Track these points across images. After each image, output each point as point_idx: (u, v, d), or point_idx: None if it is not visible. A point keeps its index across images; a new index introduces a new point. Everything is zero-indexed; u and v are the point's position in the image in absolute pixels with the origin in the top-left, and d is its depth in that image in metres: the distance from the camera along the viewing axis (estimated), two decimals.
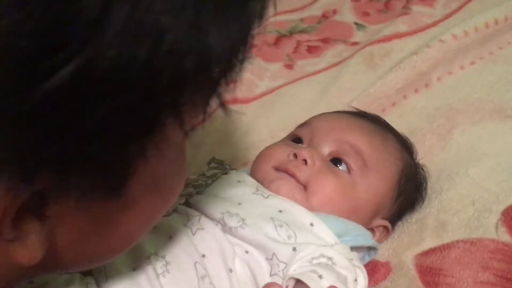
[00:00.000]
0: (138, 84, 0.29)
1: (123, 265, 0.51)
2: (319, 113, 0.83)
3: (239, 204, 0.56)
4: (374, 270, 0.60)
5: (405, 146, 0.67)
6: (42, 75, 0.27)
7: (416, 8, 1.00)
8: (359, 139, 0.62)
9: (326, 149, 0.62)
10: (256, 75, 0.92)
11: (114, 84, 0.28)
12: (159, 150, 0.34)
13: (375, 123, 0.67)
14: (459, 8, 0.99)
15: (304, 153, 0.60)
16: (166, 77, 0.29)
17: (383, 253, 0.62)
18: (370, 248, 0.60)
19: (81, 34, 0.27)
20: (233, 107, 0.91)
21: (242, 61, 0.33)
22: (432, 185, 0.68)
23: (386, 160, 0.63)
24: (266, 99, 0.88)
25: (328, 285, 0.48)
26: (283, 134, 0.82)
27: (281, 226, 0.53)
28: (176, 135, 0.36)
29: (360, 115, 0.69)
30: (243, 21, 0.32)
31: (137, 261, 0.52)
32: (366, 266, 0.58)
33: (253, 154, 0.79)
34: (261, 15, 0.33)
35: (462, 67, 0.86)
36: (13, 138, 0.28)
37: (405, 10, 1.01)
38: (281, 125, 0.83)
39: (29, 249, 0.33)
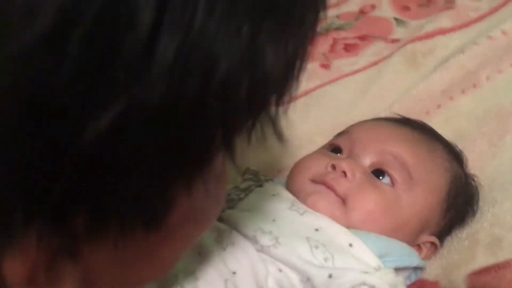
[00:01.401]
0: (188, 121, 0.26)
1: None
2: (358, 116, 0.78)
3: (273, 220, 0.52)
4: None
5: (454, 155, 0.62)
6: (84, 118, 0.24)
7: (461, 1, 0.94)
8: (403, 150, 0.57)
9: (368, 160, 0.57)
10: None
11: (161, 123, 0.25)
12: (203, 183, 0.31)
13: (421, 131, 0.62)
14: (508, 0, 0.92)
15: (343, 164, 0.55)
16: (219, 110, 0.26)
17: (431, 271, 0.57)
18: (417, 267, 0.55)
19: (126, 72, 0.24)
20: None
21: (297, 77, 0.30)
22: (484, 196, 0.63)
23: (434, 171, 0.58)
24: (302, 102, 0.84)
25: None
26: (320, 138, 0.78)
27: (317, 247, 0.49)
28: (220, 164, 0.33)
29: (404, 122, 0.64)
30: (300, 37, 0.29)
31: (165, 279, 0.49)
32: (412, 285, 0.53)
33: (288, 161, 0.75)
34: (315, 27, 0.30)
35: None
36: (45, 184, 0.25)
37: (449, 4, 0.95)
38: (317, 129, 0.79)
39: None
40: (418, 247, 0.57)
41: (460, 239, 0.60)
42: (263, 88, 0.27)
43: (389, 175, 0.56)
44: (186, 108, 0.25)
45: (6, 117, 0.24)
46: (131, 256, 0.34)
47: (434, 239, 0.57)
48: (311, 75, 0.88)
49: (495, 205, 0.62)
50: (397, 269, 0.51)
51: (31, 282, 0.29)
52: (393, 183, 0.56)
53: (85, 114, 0.24)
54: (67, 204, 0.26)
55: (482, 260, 0.57)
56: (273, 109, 0.31)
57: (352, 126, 0.64)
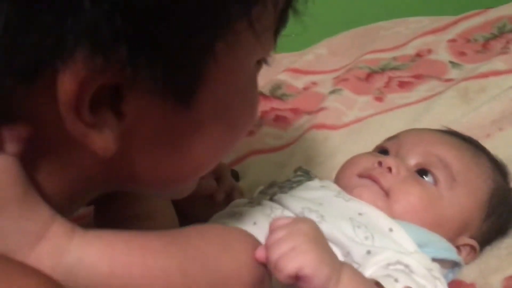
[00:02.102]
0: None
1: None
2: None
3: (320, 204, 0.55)
4: None
5: (498, 168, 0.63)
6: None
7: None
8: (448, 153, 0.60)
9: (413, 161, 0.60)
10: (346, 106, 0.92)
11: None
12: (229, 59, 0.35)
13: (467, 141, 0.64)
14: None
15: (389, 161, 0.58)
16: None
17: (469, 274, 0.58)
18: (454, 265, 0.56)
19: None
20: (320, 132, 0.91)
21: None
22: None
23: (477, 177, 0.60)
24: (354, 127, 0.88)
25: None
26: None
27: (359, 227, 0.52)
28: (244, 43, 0.37)
29: (451, 133, 0.67)
30: None
31: None
32: (449, 285, 0.54)
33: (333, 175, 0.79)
34: None
35: None
36: (89, 9, 0.30)
37: (505, 50, 0.98)
38: (367, 149, 0.82)
39: (104, 139, 0.35)
40: (458, 249, 0.58)
41: (499, 248, 0.60)
42: None
43: (432, 174, 0.58)
44: None
45: None
46: (167, 135, 0.38)
47: (473, 242, 0.58)
48: (365, 106, 0.93)
49: None
50: (435, 260, 0.52)
51: (78, 112, 0.33)
52: (436, 182, 0.58)
53: None
54: (107, 32, 0.31)
55: None
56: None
57: (401, 132, 0.67)
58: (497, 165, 0.64)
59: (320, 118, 0.88)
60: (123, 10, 0.30)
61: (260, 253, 0.42)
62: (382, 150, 0.64)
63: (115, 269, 0.35)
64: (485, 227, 0.59)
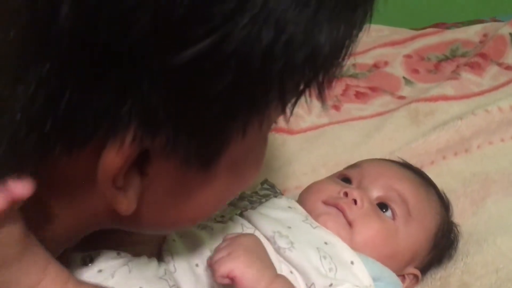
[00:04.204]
0: (257, 64, 0.33)
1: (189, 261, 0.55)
2: (359, 157, 0.86)
3: (289, 227, 0.59)
4: None
5: (443, 203, 0.70)
6: (188, 41, 0.31)
7: (465, 75, 1.04)
8: (406, 189, 0.65)
9: (375, 193, 0.65)
10: (304, 110, 0.96)
11: (238, 60, 0.32)
12: (254, 130, 0.37)
13: (420, 176, 0.70)
14: (507, 82, 1.03)
15: (355, 193, 0.63)
16: (281, 63, 0.33)
17: None
18: None
19: (226, 12, 0.31)
20: (279, 135, 0.94)
21: (341, 64, 0.37)
22: (460, 246, 0.71)
23: (428, 212, 0.66)
24: (311, 134, 0.92)
25: None
26: (323, 170, 0.85)
27: (325, 257, 0.56)
28: (273, 118, 0.40)
29: (407, 166, 0.72)
30: (351, 25, 0.35)
31: (199, 255, 0.56)
32: None
33: (292, 183, 0.83)
34: (362, 24, 0.37)
35: (502, 140, 0.89)
36: (150, 92, 0.32)
37: (454, 75, 1.04)
38: (322, 161, 0.87)
39: (128, 200, 0.37)
40: (403, 277, 0.64)
41: (434, 279, 0.68)
42: (316, 56, 0.34)
43: (392, 209, 0.64)
44: (258, 52, 0.32)
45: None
46: (179, 189, 0.40)
47: (417, 272, 0.65)
48: (322, 112, 0.97)
49: (468, 256, 0.70)
50: None
51: (114, 180, 0.35)
52: (394, 216, 0.64)
53: (192, 35, 0.31)
54: (160, 114, 0.33)
55: None
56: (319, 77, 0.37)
57: (362, 161, 0.72)
58: (442, 200, 0.70)
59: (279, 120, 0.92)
60: (179, 96, 0.33)
61: (208, 261, 0.50)
62: (345, 178, 0.68)
63: None
64: (428, 258, 0.66)
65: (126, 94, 0.32)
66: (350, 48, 0.37)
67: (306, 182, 0.83)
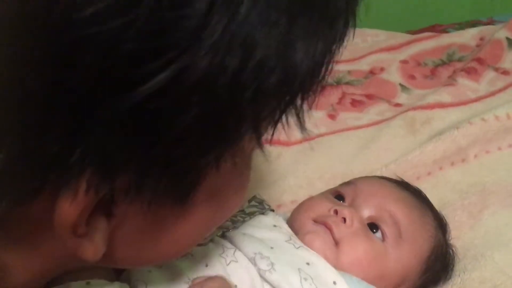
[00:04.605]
0: (225, 94, 0.29)
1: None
2: (356, 169, 0.86)
3: (271, 248, 0.58)
4: None
5: (440, 224, 0.69)
6: (139, 79, 0.28)
7: (462, 81, 1.03)
8: (399, 210, 0.64)
9: (366, 212, 0.64)
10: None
11: (202, 92, 0.29)
12: (231, 162, 0.35)
13: (416, 197, 0.70)
14: (504, 88, 1.02)
15: (345, 211, 0.62)
16: (251, 90, 0.30)
17: None
18: None
19: (181, 41, 0.28)
20: (274, 147, 0.94)
21: (320, 82, 0.34)
22: (457, 262, 0.71)
23: (421, 235, 0.65)
24: (306, 145, 0.91)
25: None
26: (319, 183, 0.85)
27: (306, 279, 0.56)
28: (247, 149, 0.36)
29: (404, 186, 0.71)
30: (329, 40, 0.32)
31: (177, 286, 0.54)
32: None
33: (288, 198, 0.82)
34: (343, 36, 0.33)
35: (499, 148, 0.89)
36: (102, 138, 0.29)
37: (451, 80, 1.04)
38: (318, 174, 0.86)
39: (95, 245, 0.35)
40: None
41: None
42: (291, 79, 0.31)
43: (382, 231, 0.63)
44: (224, 82, 0.29)
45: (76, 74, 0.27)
46: (153, 226, 0.37)
47: None
48: (318, 122, 0.96)
49: (465, 272, 0.69)
50: None
51: (74, 230, 0.32)
52: (384, 238, 0.63)
53: (143, 72, 0.27)
54: (117, 159, 0.30)
55: None
56: (297, 104, 0.34)
57: (357, 179, 0.72)
58: (439, 221, 0.69)
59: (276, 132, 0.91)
60: (137, 139, 0.30)
61: None
62: (338, 195, 0.68)
63: None
64: (420, 281, 0.65)
65: (75, 141, 0.29)
66: (331, 65, 0.34)
67: (302, 195, 0.82)
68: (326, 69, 0.33)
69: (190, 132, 0.30)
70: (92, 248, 0.35)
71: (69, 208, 0.31)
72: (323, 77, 0.34)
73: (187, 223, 0.39)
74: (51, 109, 0.28)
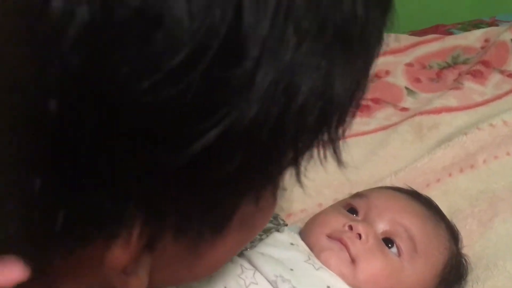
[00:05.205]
0: (268, 139, 0.30)
1: None
2: (365, 176, 0.86)
3: (291, 270, 0.58)
4: None
5: (452, 235, 0.69)
6: (191, 139, 0.28)
7: (468, 84, 1.03)
8: (413, 224, 0.64)
9: (381, 227, 0.64)
10: None
11: (247, 141, 0.30)
12: (267, 194, 0.36)
13: (428, 207, 0.69)
14: (511, 91, 1.02)
15: (360, 227, 0.62)
16: (293, 131, 0.31)
17: None
18: None
19: (231, 99, 0.28)
20: None
21: (356, 106, 0.34)
22: (469, 272, 0.71)
23: (435, 248, 0.65)
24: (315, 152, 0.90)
25: None
26: (328, 191, 0.84)
27: None
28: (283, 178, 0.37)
29: (415, 196, 0.71)
30: (363, 72, 0.33)
31: None
32: None
33: (297, 207, 0.82)
34: (372, 65, 0.34)
35: (508, 153, 0.88)
36: (153, 191, 0.30)
37: (457, 84, 1.03)
38: (326, 181, 0.85)
39: (140, 279, 0.36)
40: None
41: None
42: (330, 114, 0.31)
43: (397, 246, 0.63)
44: (267, 128, 0.29)
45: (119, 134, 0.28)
46: (189, 255, 0.38)
47: None
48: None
49: (478, 282, 0.69)
50: None
51: (123, 270, 0.33)
52: (399, 253, 0.63)
53: (195, 132, 0.28)
54: (164, 209, 0.31)
55: None
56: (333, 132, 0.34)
57: (369, 191, 0.71)
58: (451, 231, 0.69)
59: None
60: (185, 188, 0.30)
61: None
62: (350, 208, 0.67)
63: None
64: None
65: (129, 198, 0.30)
66: (365, 88, 0.34)
67: (311, 204, 0.82)
68: (361, 96, 0.34)
69: (234, 177, 0.31)
70: (138, 282, 0.36)
71: (122, 253, 0.32)
72: (358, 104, 0.34)
73: (221, 248, 0.40)
74: (109, 174, 0.29)
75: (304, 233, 0.66)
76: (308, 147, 0.34)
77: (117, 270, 0.33)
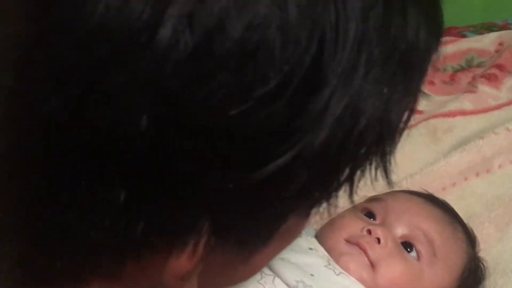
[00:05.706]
0: (331, 160, 0.32)
1: None
2: (380, 178, 0.85)
3: (312, 275, 0.58)
4: None
5: (469, 239, 0.69)
6: (266, 161, 0.30)
7: (482, 88, 1.02)
8: (432, 228, 0.64)
9: (399, 231, 0.64)
10: None
11: (313, 162, 0.31)
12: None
13: (446, 212, 0.69)
14: None
15: (378, 231, 0.62)
16: (352, 152, 0.32)
17: None
18: None
19: (306, 124, 0.30)
20: None
21: (406, 125, 0.36)
22: (487, 277, 0.70)
23: (454, 252, 0.65)
24: None
25: None
26: (342, 193, 0.84)
27: None
28: None
29: (431, 199, 0.71)
30: (415, 96, 0.35)
31: None
32: None
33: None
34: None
35: None
36: (222, 207, 0.31)
37: (471, 87, 1.03)
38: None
39: (193, 284, 0.37)
40: None
41: None
42: (385, 135, 0.33)
43: (417, 250, 0.63)
44: (333, 151, 0.31)
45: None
46: (234, 262, 0.39)
47: None
48: None
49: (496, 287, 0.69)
50: None
51: (182, 278, 0.34)
52: (419, 257, 0.63)
53: (270, 155, 0.30)
54: (231, 220, 0.32)
55: None
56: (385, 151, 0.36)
57: (386, 194, 0.71)
58: (468, 235, 0.69)
59: None
60: (250, 205, 0.32)
61: None
62: (368, 212, 0.67)
63: None
64: None
65: (203, 211, 0.31)
66: (414, 110, 0.35)
67: (325, 206, 0.82)
68: (410, 118, 0.35)
69: (296, 194, 0.32)
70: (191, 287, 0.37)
71: (187, 261, 0.33)
72: (407, 123, 0.35)
73: (263, 255, 0.41)
74: (189, 190, 0.30)
75: (321, 237, 0.66)
76: (362, 165, 0.35)
77: (177, 277, 0.34)
